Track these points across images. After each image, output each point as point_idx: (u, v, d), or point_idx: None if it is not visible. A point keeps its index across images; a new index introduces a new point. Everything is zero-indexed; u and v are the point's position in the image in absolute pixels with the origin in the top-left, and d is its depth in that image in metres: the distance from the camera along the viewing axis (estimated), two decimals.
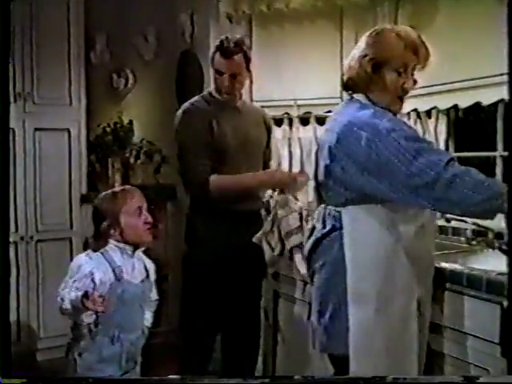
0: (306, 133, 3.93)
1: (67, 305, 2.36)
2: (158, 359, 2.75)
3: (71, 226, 4.44)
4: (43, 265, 4.31)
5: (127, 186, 2.75)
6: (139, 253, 2.63)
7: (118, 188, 2.74)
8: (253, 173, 3.07)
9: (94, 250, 2.54)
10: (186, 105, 3.13)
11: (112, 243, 2.55)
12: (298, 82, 3.90)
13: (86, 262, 2.49)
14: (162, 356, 2.92)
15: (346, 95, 2.34)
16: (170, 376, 2.20)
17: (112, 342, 2.50)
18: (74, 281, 2.43)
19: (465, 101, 3.11)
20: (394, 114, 2.20)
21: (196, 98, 3.17)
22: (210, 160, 3.00)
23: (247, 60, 3.06)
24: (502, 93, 2.86)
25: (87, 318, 2.46)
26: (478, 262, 2.36)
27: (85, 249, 2.62)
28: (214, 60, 3.05)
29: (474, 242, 2.88)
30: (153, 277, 2.70)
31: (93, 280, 2.45)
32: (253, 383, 1.98)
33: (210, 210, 3.04)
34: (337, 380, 2.10)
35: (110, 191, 2.68)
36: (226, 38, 3.06)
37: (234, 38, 3.07)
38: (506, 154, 2.99)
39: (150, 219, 2.60)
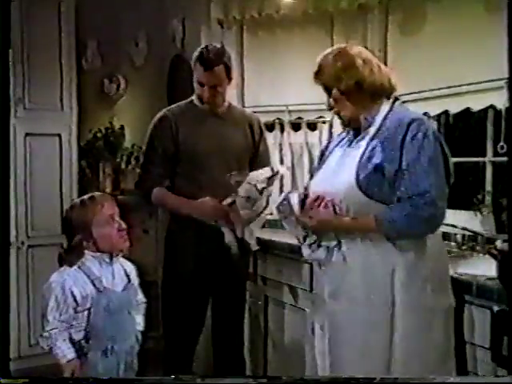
0: (297, 138, 3.95)
1: (56, 350, 2.35)
2: (149, 364, 2.73)
3: (62, 232, 4.42)
4: (34, 270, 4.29)
5: (96, 194, 2.58)
6: (118, 258, 2.51)
7: (86, 196, 2.52)
8: (191, 200, 2.95)
9: (70, 265, 2.42)
10: (160, 113, 3.11)
11: (88, 254, 2.43)
12: (290, 88, 3.91)
13: (60, 283, 2.38)
14: (154, 361, 2.91)
15: None
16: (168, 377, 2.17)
17: (106, 355, 2.39)
18: (61, 321, 2.36)
19: (455, 107, 3.13)
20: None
21: (174, 105, 3.16)
22: (166, 170, 3.02)
23: (228, 70, 3.00)
24: (492, 99, 2.89)
25: (76, 334, 2.39)
26: (468, 267, 2.37)
27: (59, 263, 2.46)
28: (195, 70, 3.01)
29: (464, 247, 2.90)
30: (135, 280, 2.57)
31: (74, 298, 2.36)
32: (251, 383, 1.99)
33: (187, 217, 3.02)
34: (330, 380, 2.11)
35: (78, 200, 2.53)
36: (207, 48, 3.01)
37: (215, 48, 3.02)
38: (495, 159, 3.02)
39: (123, 226, 2.47)
